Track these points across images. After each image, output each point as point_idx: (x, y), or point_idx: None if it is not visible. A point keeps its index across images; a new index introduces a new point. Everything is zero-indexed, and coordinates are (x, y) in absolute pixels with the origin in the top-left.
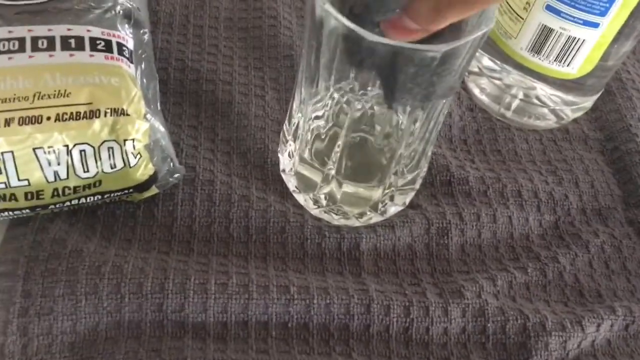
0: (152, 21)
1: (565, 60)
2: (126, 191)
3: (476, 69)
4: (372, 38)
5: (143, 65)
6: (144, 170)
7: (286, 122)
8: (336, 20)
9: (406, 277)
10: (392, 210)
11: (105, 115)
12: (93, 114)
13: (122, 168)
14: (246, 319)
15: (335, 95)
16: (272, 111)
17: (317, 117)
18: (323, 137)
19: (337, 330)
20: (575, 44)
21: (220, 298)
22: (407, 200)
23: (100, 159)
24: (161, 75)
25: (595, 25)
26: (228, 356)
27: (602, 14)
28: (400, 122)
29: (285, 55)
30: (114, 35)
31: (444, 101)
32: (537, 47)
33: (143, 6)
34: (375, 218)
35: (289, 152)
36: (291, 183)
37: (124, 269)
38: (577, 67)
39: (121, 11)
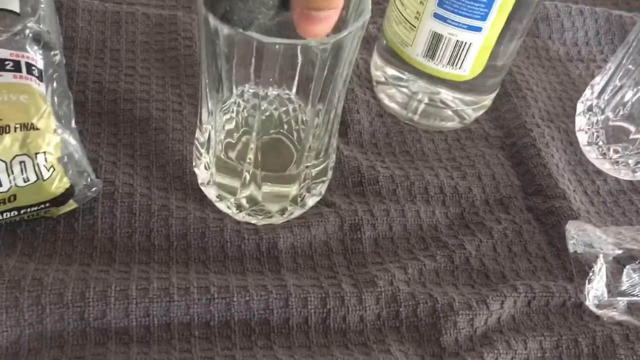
0: (69, 47)
1: (456, 64)
2: (43, 206)
3: (383, 79)
4: (267, 40)
5: (55, 85)
6: (58, 184)
7: (197, 136)
8: (229, 29)
9: (323, 271)
10: (311, 201)
11: (15, 131)
12: (3, 130)
13: (35, 181)
14: (169, 321)
15: (241, 102)
16: (190, 124)
17: (227, 124)
18: (236, 143)
19: (258, 325)
20: (463, 47)
21: (141, 302)
22: (323, 190)
23: (13, 173)
24: (79, 98)
25: (478, 29)
26: (151, 357)
27: (483, 18)
28: (304, 118)
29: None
30: (22, 56)
31: (339, 93)
32: (431, 52)
33: (54, 30)
34: (297, 211)
35: (205, 164)
36: (212, 193)
37: (44, 281)
38: (469, 68)
39: (30, 34)
